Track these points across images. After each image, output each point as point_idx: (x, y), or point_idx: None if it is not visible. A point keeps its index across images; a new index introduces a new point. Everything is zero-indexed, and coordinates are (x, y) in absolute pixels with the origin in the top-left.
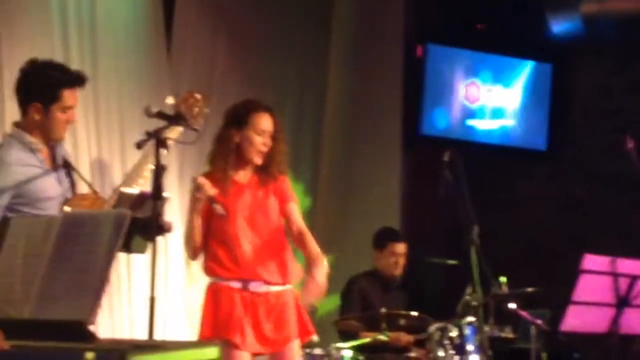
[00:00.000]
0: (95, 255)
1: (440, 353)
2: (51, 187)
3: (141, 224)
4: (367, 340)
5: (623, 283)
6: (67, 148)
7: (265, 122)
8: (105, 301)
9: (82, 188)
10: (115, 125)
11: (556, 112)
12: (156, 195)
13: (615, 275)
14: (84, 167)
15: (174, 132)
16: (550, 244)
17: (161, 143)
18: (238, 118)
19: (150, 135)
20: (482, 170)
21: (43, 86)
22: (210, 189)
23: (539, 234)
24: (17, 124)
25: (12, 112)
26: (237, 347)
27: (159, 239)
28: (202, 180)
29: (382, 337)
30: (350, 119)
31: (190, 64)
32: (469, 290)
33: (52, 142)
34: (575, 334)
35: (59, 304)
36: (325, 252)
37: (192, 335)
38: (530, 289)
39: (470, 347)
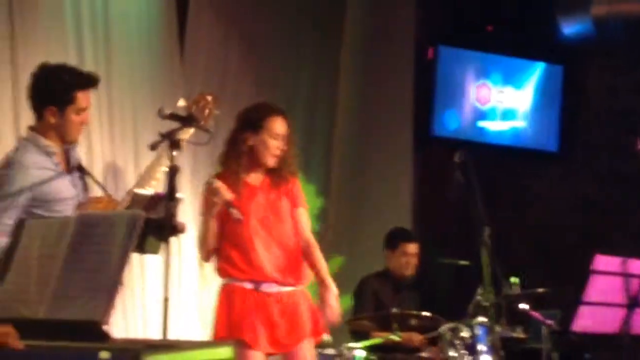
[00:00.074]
0: (109, 256)
1: (452, 353)
2: (66, 188)
3: (155, 224)
4: (379, 340)
5: (634, 283)
6: (81, 151)
7: (279, 126)
8: (118, 302)
9: (96, 191)
10: (129, 128)
11: (567, 114)
12: (170, 196)
13: (626, 275)
14: (98, 169)
15: (186, 133)
16: (561, 245)
17: (174, 144)
18: (253, 121)
19: (163, 136)
20: (493, 171)
21: (57, 89)
22: (227, 193)
23: (550, 235)
24: (31, 128)
25: (28, 115)
26: (250, 347)
27: (173, 240)
28: (219, 184)
29: (394, 337)
30: (361, 120)
31: (203, 67)
32: (480, 290)
33: (67, 144)
34: (587, 334)
35: (73, 304)
36: (337, 252)
37: (205, 335)
38: (541, 290)
39: (481, 347)
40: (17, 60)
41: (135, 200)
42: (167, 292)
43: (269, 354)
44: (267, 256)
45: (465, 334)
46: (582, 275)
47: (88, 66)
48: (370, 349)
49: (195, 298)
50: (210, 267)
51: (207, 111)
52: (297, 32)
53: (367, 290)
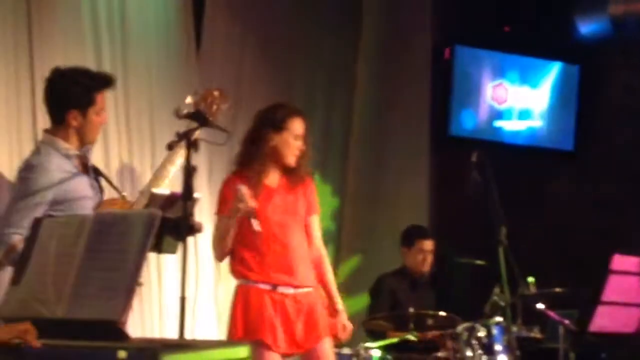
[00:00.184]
0: (126, 255)
1: (469, 353)
2: (85, 187)
3: (172, 224)
4: (395, 340)
5: None
6: (98, 151)
7: (300, 126)
8: (135, 301)
9: (111, 193)
10: (146, 128)
11: (584, 113)
12: (187, 195)
13: None
14: (114, 169)
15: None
16: (578, 244)
17: (192, 144)
18: (275, 121)
19: (180, 136)
20: (510, 170)
21: (78, 93)
22: (252, 202)
23: (567, 234)
24: (48, 131)
25: (46, 118)
26: (268, 348)
27: (189, 240)
28: (246, 191)
29: (410, 337)
30: (378, 120)
31: (219, 67)
32: (497, 290)
33: (85, 146)
34: (604, 334)
35: (91, 304)
36: (353, 251)
37: (222, 334)
38: (558, 289)
39: (498, 347)
40: (35, 63)
41: (152, 199)
42: (184, 291)
43: (286, 355)
44: (283, 259)
45: (481, 333)
46: (599, 275)
47: (105, 66)
48: (386, 349)
49: (212, 297)
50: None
51: (215, 107)
52: (314, 31)
53: (383, 289)
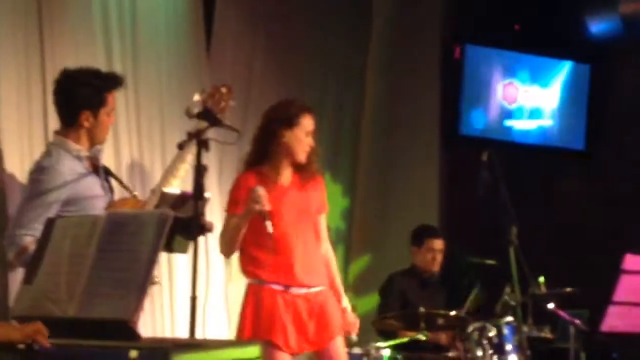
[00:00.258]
0: (138, 255)
1: (479, 353)
2: (95, 187)
3: (183, 223)
4: (405, 339)
5: None
6: (108, 150)
7: (310, 122)
8: (146, 301)
9: (122, 193)
10: (156, 127)
11: (594, 112)
12: (197, 195)
13: None
14: (125, 169)
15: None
16: (589, 244)
17: (203, 144)
18: (287, 118)
19: (191, 136)
20: (521, 170)
21: (89, 94)
22: (267, 204)
23: (577, 234)
24: (58, 133)
25: (57, 120)
26: (279, 348)
27: (200, 239)
28: (262, 192)
29: (420, 337)
30: (388, 119)
31: (229, 67)
32: (507, 290)
33: (95, 147)
34: (615, 334)
35: (103, 303)
36: (363, 251)
37: (233, 334)
38: (568, 289)
39: (508, 346)
40: (46, 64)
41: (163, 199)
42: (195, 290)
43: (295, 354)
44: (295, 258)
45: (492, 333)
46: (611, 274)
47: (116, 67)
48: (396, 348)
49: (223, 297)
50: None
51: (222, 104)
52: (324, 30)
53: (393, 288)
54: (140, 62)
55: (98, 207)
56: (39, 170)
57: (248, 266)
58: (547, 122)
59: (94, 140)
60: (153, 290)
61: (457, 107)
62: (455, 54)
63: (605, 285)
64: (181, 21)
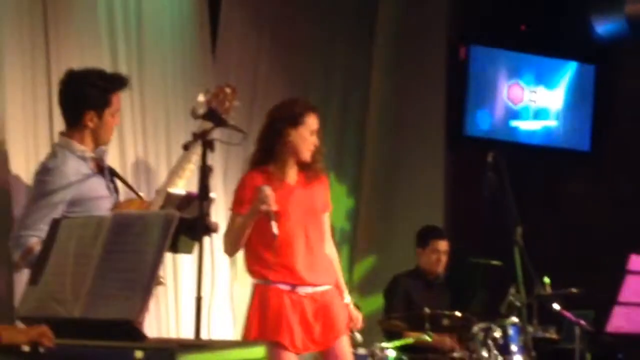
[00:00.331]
0: (144, 255)
1: (484, 353)
2: (100, 187)
3: (188, 224)
4: (410, 340)
5: None
6: (114, 151)
7: (315, 121)
8: (152, 301)
9: (127, 194)
10: (162, 128)
11: (599, 113)
12: (203, 195)
13: None
14: (130, 169)
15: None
16: (594, 245)
17: (208, 145)
18: (293, 117)
19: (196, 136)
20: (526, 170)
21: (94, 94)
22: (274, 204)
23: (582, 235)
24: (64, 134)
25: (62, 121)
26: (285, 349)
27: (205, 240)
28: (269, 192)
29: (426, 338)
30: (393, 120)
31: (235, 69)
32: (512, 290)
33: (99, 147)
34: (620, 334)
35: (108, 303)
36: (368, 252)
37: (238, 335)
38: (574, 290)
39: (514, 347)
40: (52, 67)
41: (168, 199)
42: (200, 291)
43: (300, 353)
44: (302, 257)
45: (497, 334)
46: (616, 275)
47: (121, 68)
48: (401, 349)
49: (228, 297)
50: (241, 264)
51: (227, 104)
52: (329, 31)
53: (398, 289)
54: (145, 63)
55: (103, 208)
56: (44, 171)
57: (254, 266)
58: (552, 122)
59: (98, 141)
60: (158, 291)
61: (463, 108)
62: (461, 54)
63: (610, 286)
64: (186, 23)
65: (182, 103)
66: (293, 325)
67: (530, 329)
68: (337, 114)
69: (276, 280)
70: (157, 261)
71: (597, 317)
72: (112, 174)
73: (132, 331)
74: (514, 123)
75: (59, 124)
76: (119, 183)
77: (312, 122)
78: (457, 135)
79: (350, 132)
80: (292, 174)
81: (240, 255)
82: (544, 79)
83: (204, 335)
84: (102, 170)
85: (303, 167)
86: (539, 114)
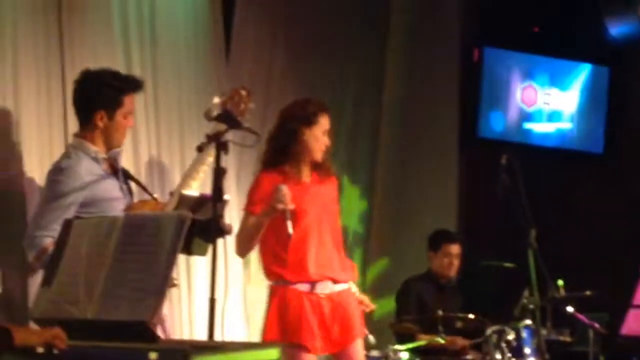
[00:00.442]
0: (157, 257)
1: (498, 356)
2: (114, 189)
3: (201, 226)
4: (423, 342)
5: None
6: (127, 153)
7: (327, 121)
8: (165, 303)
9: (141, 196)
10: (175, 129)
11: (613, 115)
12: (216, 197)
13: None
14: (144, 171)
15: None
16: (608, 247)
17: (222, 146)
18: (307, 117)
19: (210, 138)
20: (539, 173)
21: (107, 94)
22: (291, 203)
23: (596, 237)
24: (77, 135)
25: (76, 123)
26: (307, 351)
27: (219, 241)
28: (287, 192)
29: (438, 340)
30: (407, 122)
31: (249, 70)
32: (526, 293)
33: (112, 149)
34: (635, 337)
35: (121, 305)
36: (381, 254)
37: (252, 336)
38: (588, 292)
39: (527, 350)
40: (66, 68)
41: (182, 201)
42: (214, 293)
43: (318, 354)
44: (319, 256)
45: (510, 336)
46: (630, 277)
47: (135, 70)
48: (414, 352)
49: (241, 299)
50: (255, 266)
51: (242, 106)
52: (343, 33)
53: (410, 292)
54: (159, 66)
55: (117, 209)
56: (58, 172)
57: (271, 266)
58: (566, 125)
59: (110, 143)
60: (172, 293)
61: (476, 110)
62: (474, 56)
63: (625, 289)
64: (200, 26)
65: (195, 105)
66: (313, 327)
67: (543, 331)
68: (350, 117)
69: (294, 281)
70: (170, 262)
71: (612, 320)
72: (126, 175)
73: (145, 332)
74: (528, 125)
75: (73, 128)
76: (132, 185)
77: (325, 122)
78: (470, 138)
79: (364, 134)
80: (306, 173)
81: (253, 257)
82: (557, 81)
83: (217, 337)
84: (116, 171)
85: (315, 166)
86: (553, 116)
